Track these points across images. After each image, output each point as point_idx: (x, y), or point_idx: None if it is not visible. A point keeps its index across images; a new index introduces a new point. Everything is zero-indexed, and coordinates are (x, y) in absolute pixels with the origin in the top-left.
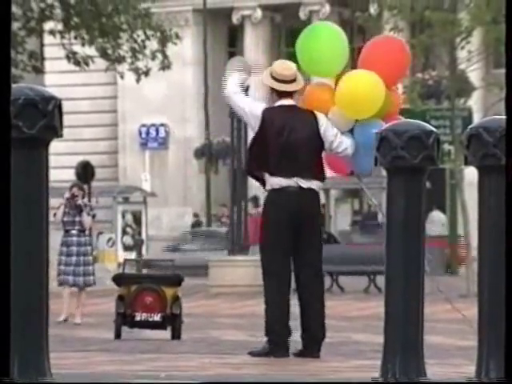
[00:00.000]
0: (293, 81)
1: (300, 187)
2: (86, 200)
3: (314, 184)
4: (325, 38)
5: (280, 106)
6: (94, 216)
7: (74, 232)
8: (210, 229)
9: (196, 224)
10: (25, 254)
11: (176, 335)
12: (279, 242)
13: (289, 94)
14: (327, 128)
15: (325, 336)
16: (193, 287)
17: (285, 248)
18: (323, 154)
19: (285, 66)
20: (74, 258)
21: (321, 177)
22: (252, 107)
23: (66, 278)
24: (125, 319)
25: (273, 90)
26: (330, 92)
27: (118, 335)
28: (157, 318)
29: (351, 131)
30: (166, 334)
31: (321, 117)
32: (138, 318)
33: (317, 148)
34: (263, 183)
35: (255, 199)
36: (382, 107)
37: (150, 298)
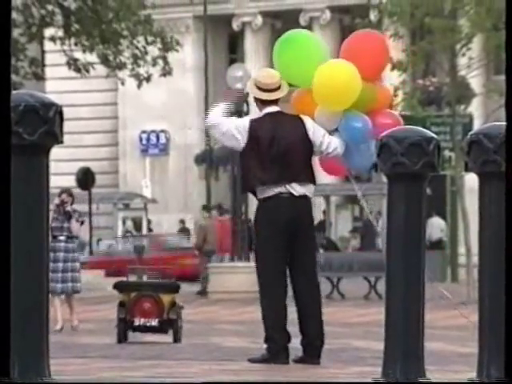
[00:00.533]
0: (277, 88)
1: (292, 194)
2: (74, 206)
3: (309, 188)
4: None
5: (266, 116)
6: (82, 222)
7: (61, 238)
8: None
9: (182, 230)
10: (25, 260)
11: (176, 338)
12: (274, 250)
13: (274, 102)
14: (315, 130)
15: (323, 343)
16: (193, 294)
17: (280, 255)
18: (317, 159)
19: (268, 75)
20: (60, 264)
21: (314, 179)
22: (237, 123)
23: (54, 287)
24: (126, 324)
25: (257, 98)
26: (312, 94)
27: (120, 340)
28: (154, 322)
29: (337, 130)
30: (167, 337)
31: (308, 120)
32: (136, 323)
33: (308, 151)
34: (255, 194)
35: (220, 207)
36: (363, 101)
37: (148, 304)
